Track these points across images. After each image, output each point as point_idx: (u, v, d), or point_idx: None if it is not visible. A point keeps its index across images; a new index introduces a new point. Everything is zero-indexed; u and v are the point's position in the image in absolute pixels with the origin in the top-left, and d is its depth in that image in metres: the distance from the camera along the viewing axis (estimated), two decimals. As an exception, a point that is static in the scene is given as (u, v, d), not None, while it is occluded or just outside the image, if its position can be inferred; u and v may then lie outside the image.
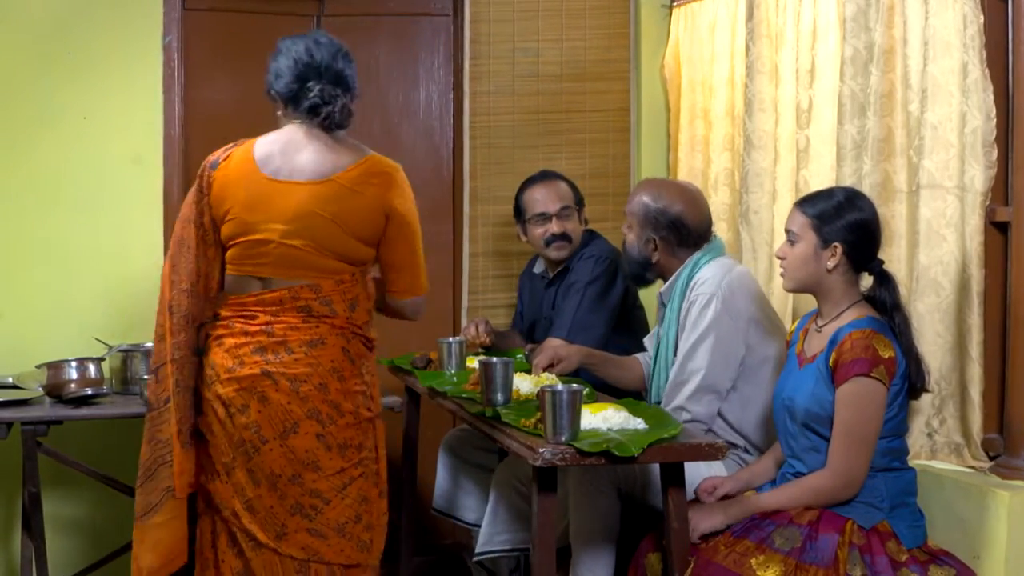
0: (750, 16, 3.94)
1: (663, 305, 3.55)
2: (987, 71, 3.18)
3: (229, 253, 3.09)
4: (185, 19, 4.37)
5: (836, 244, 2.99)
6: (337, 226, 3.02)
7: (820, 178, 3.62)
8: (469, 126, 4.58)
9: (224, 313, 3.08)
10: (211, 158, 3.11)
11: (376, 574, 3.17)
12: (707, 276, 3.40)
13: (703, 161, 4.42)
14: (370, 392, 3.13)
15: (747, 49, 3.94)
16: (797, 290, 3.13)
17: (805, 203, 3.07)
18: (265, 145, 3.07)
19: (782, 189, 3.83)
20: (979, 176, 3.19)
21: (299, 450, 2.99)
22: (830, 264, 3.00)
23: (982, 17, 3.18)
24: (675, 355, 3.43)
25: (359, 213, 3.04)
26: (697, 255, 3.49)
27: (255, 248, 3.04)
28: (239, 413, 2.98)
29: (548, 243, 4.11)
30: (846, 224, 2.98)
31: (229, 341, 3.04)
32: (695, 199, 3.57)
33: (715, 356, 3.32)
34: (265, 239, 3.02)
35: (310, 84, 3.03)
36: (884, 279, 3.02)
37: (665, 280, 3.56)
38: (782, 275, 3.12)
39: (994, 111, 3.18)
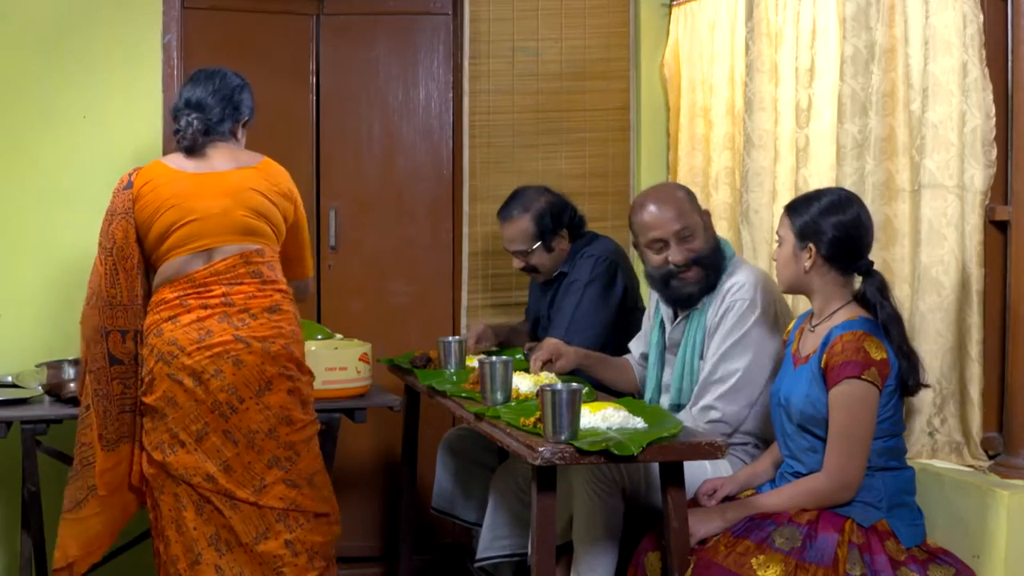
0: (750, 15, 3.94)
1: (686, 317, 3.49)
2: (986, 70, 3.19)
3: (169, 241, 3.28)
4: (185, 18, 4.37)
5: (810, 245, 3.01)
6: (269, 200, 3.34)
7: (820, 177, 3.62)
8: (469, 125, 4.58)
9: (170, 295, 3.26)
10: (118, 187, 3.37)
11: (338, 529, 3.39)
12: (741, 281, 3.38)
13: (703, 160, 4.42)
14: None
15: (747, 48, 3.94)
16: (788, 291, 3.18)
17: (792, 206, 3.11)
18: (172, 159, 3.39)
19: (782, 188, 3.83)
20: (979, 175, 3.19)
21: (274, 406, 3.24)
22: (806, 265, 3.02)
23: (981, 16, 3.18)
24: (701, 358, 3.41)
25: (279, 193, 3.38)
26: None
27: (198, 224, 3.26)
28: (213, 378, 3.19)
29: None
30: (822, 226, 3.00)
31: (187, 317, 3.23)
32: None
33: (753, 361, 3.31)
34: (208, 214, 3.27)
35: (179, 114, 3.38)
36: (870, 277, 3.03)
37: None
38: (776, 276, 3.16)
39: (993, 110, 3.18)
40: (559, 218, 4.10)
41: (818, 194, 3.10)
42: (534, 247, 4.08)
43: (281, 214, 3.38)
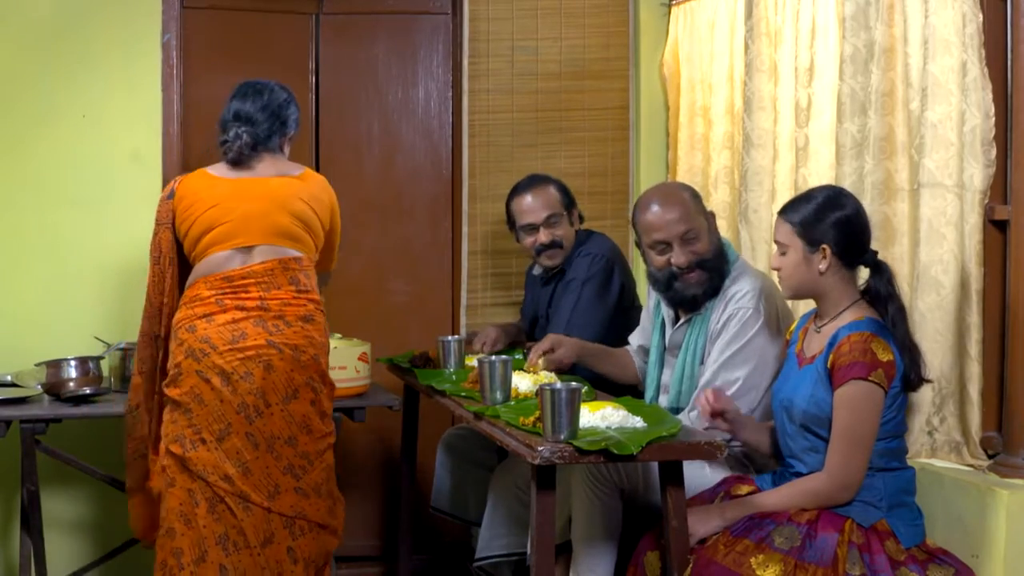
0: (749, 14, 3.94)
1: (687, 321, 3.49)
2: (986, 70, 3.19)
3: (208, 237, 3.33)
4: (184, 17, 4.37)
5: (824, 246, 2.98)
6: (310, 208, 3.40)
7: (819, 176, 3.62)
8: (468, 124, 4.58)
9: (206, 292, 3.29)
10: (162, 196, 3.45)
11: (338, 543, 3.43)
12: (745, 288, 3.37)
13: (702, 159, 4.42)
14: None
15: (746, 47, 3.94)
16: (796, 297, 3.15)
17: (787, 211, 3.07)
18: (216, 168, 3.46)
19: (781, 187, 3.83)
20: (978, 174, 3.19)
21: (297, 414, 3.28)
22: (822, 267, 3.00)
23: (981, 16, 3.18)
24: (702, 363, 3.41)
25: (322, 204, 3.45)
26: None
27: (238, 223, 3.31)
28: (242, 380, 3.22)
29: (539, 252, 4.11)
30: (829, 224, 2.98)
31: (222, 317, 3.27)
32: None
33: (754, 371, 3.30)
34: (248, 215, 3.32)
35: (228, 124, 3.44)
36: (878, 269, 3.02)
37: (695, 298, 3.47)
38: (780, 283, 3.13)
39: (993, 110, 3.18)
40: (570, 194, 4.16)
41: (811, 195, 3.08)
42: (564, 212, 4.09)
43: (320, 222, 3.44)
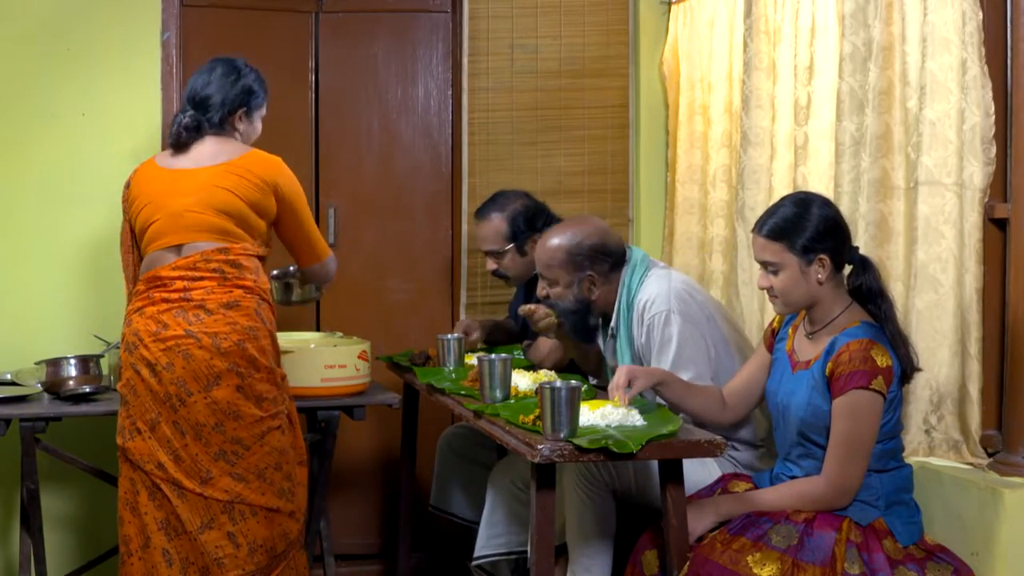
0: (748, 12, 3.94)
1: (612, 337, 3.54)
2: (986, 68, 3.18)
3: (146, 236, 3.40)
4: (183, 15, 4.37)
5: (821, 256, 2.97)
6: (235, 196, 3.35)
7: (818, 175, 3.62)
8: (468, 123, 4.57)
9: (142, 287, 3.37)
10: (123, 186, 3.51)
11: (300, 531, 3.44)
12: (652, 294, 3.39)
13: (701, 157, 4.42)
14: (278, 352, 3.44)
15: (745, 45, 3.94)
16: (793, 311, 3.10)
17: (766, 228, 3.01)
18: (161, 157, 3.51)
19: (779, 186, 3.83)
20: (978, 173, 3.19)
21: (221, 401, 3.27)
22: (820, 276, 2.97)
23: (981, 14, 3.18)
24: None
25: (251, 187, 3.37)
26: (626, 276, 3.50)
27: (165, 221, 3.35)
28: (165, 371, 3.26)
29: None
30: (818, 232, 2.96)
31: (150, 309, 3.33)
32: (592, 221, 3.65)
33: (694, 370, 3.31)
34: (177, 211, 3.34)
35: (181, 109, 3.48)
36: (865, 266, 3.02)
37: (607, 316, 3.55)
38: (773, 301, 3.07)
39: (993, 108, 3.18)
40: (532, 222, 4.08)
41: (782, 207, 3.03)
42: (506, 248, 4.08)
43: (253, 208, 3.37)
